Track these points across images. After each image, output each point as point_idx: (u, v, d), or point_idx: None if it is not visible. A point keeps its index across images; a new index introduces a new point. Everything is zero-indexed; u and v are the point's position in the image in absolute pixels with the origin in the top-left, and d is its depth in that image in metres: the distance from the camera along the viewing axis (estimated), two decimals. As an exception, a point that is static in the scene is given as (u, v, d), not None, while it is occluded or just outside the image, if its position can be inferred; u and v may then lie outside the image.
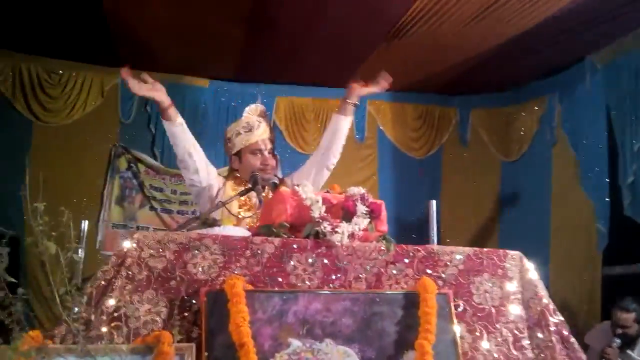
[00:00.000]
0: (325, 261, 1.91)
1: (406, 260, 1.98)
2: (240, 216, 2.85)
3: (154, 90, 2.74)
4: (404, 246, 2.01)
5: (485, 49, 5.13)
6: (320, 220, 1.96)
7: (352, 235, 1.96)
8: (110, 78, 5.63)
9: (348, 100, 3.09)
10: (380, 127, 6.13)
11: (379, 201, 2.11)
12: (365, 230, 2.03)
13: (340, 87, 5.91)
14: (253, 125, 3.00)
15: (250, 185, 2.83)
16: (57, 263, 1.47)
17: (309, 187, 2.08)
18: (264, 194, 2.81)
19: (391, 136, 6.12)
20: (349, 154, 5.98)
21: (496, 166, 6.02)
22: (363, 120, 6.08)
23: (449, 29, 4.74)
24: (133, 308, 1.67)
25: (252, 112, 3.11)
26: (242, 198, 2.89)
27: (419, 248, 2.02)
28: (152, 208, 5.48)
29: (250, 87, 5.94)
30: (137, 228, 5.38)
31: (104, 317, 1.62)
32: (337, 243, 1.91)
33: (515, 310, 2.01)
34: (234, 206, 2.87)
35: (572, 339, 1.99)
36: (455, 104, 6.27)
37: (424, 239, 5.62)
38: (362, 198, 2.07)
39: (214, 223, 1.99)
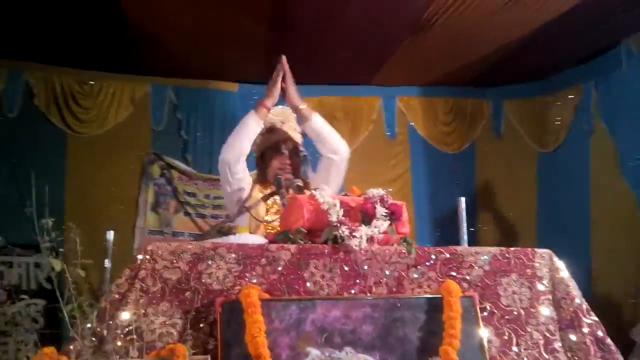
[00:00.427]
0: (344, 267, 1.86)
1: (428, 263, 1.92)
2: (266, 220, 2.82)
3: (279, 86, 2.89)
4: (425, 248, 1.95)
5: (515, 37, 4.99)
6: (339, 225, 1.91)
7: (371, 239, 1.90)
8: (140, 86, 5.70)
9: (297, 108, 2.97)
10: (411, 123, 6.05)
11: (399, 202, 2.05)
12: (385, 233, 1.96)
13: (368, 84, 5.95)
14: (275, 126, 2.99)
15: (274, 189, 2.82)
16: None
17: (327, 190, 2.04)
18: (289, 197, 2.77)
19: (422, 132, 6.03)
20: (380, 151, 5.95)
21: (532, 157, 5.86)
22: (393, 117, 6.02)
23: (476, 19, 4.62)
24: (148, 321, 1.66)
25: (275, 113, 3.07)
26: (269, 202, 2.87)
27: (442, 250, 1.95)
28: (186, 213, 5.53)
29: (279, 89, 5.91)
30: (173, 234, 5.43)
31: (119, 331, 1.60)
32: (355, 247, 1.85)
33: (545, 311, 1.93)
34: (262, 210, 2.85)
35: (608, 340, 1.90)
36: (487, 96, 6.14)
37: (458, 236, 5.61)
38: (382, 200, 2.01)
39: (229, 231, 1.97)
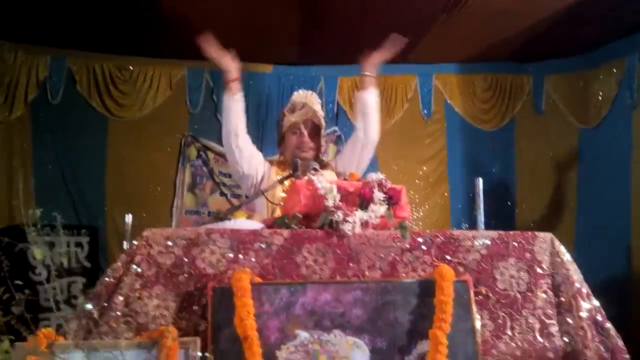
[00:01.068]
0: (337, 251, 1.88)
1: (424, 247, 1.92)
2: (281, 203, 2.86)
3: (226, 58, 2.92)
4: (421, 232, 1.95)
5: (553, 11, 4.81)
6: (335, 210, 1.93)
7: (365, 224, 1.92)
8: (178, 70, 5.81)
9: (363, 73, 3.03)
10: (448, 101, 5.94)
11: (398, 187, 2.05)
12: (382, 217, 1.97)
13: (402, 62, 5.87)
14: (296, 106, 3.04)
15: (290, 172, 2.86)
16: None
17: (325, 175, 2.05)
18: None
19: (459, 109, 5.92)
20: (416, 130, 5.90)
21: (574, 134, 5.68)
22: (429, 95, 5.93)
23: (511, -6, 4.50)
24: (142, 304, 1.73)
25: (298, 96, 3.15)
26: (287, 183, 2.91)
27: (438, 234, 1.95)
28: (222, 194, 5.64)
29: (313, 70, 5.94)
30: (209, 214, 5.56)
31: (114, 313, 1.68)
32: (348, 232, 1.87)
33: (543, 295, 1.90)
34: (279, 192, 2.89)
35: (608, 325, 1.87)
36: (528, 71, 5.96)
37: (497, 214, 5.53)
38: (380, 184, 2.02)
39: (224, 217, 2.01)
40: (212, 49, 2.94)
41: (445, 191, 5.85)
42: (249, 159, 2.95)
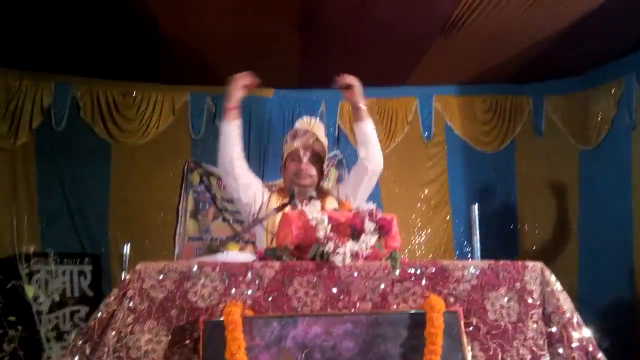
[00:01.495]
0: (329, 283, 1.89)
1: (414, 278, 1.93)
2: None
3: (241, 91, 2.94)
4: (411, 263, 1.95)
5: (551, 32, 4.87)
6: (325, 241, 1.94)
7: (356, 255, 1.93)
8: (180, 96, 5.88)
9: (357, 106, 3.00)
10: (448, 123, 6.00)
11: (389, 216, 2.06)
12: (372, 247, 1.98)
13: (404, 84, 5.93)
14: (299, 133, 3.04)
15: (287, 201, 2.88)
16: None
17: (317, 206, 2.07)
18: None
19: (460, 131, 5.96)
20: (417, 153, 5.93)
21: (574, 155, 5.72)
22: (429, 118, 5.98)
23: (507, 17, 4.54)
24: (134, 338, 1.74)
25: (302, 122, 3.17)
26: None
27: (428, 264, 1.95)
28: (224, 220, 5.64)
29: (314, 94, 5.99)
30: (211, 239, 5.57)
31: (106, 349, 1.69)
32: (338, 264, 1.89)
33: (534, 326, 1.90)
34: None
35: (600, 355, 1.86)
36: (527, 92, 6.02)
37: (500, 237, 5.52)
38: (371, 214, 2.03)
39: (217, 249, 2.03)
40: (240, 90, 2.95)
41: (447, 214, 5.87)
42: (245, 186, 2.97)
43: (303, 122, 3.16)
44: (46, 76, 5.57)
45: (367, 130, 3.00)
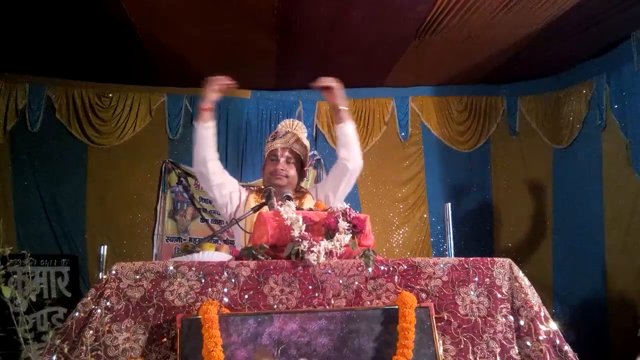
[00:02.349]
0: (303, 281, 1.93)
1: (387, 275, 1.98)
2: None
3: (214, 95, 2.96)
4: (384, 260, 2.00)
5: (523, 35, 4.96)
6: (300, 240, 1.98)
7: (330, 253, 1.97)
8: (157, 97, 5.88)
9: (339, 107, 3.05)
10: (425, 123, 6.07)
11: (362, 216, 2.10)
12: (347, 246, 2.03)
13: (380, 85, 5.98)
14: (279, 134, 3.08)
15: (264, 200, 2.91)
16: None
17: (291, 206, 2.11)
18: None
19: (436, 131, 6.04)
20: (394, 153, 5.99)
21: (547, 154, 5.81)
22: (406, 118, 6.05)
23: (480, 20, 4.63)
24: (112, 337, 1.77)
25: (284, 124, 3.18)
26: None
27: (400, 262, 2.00)
28: (203, 220, 5.67)
29: (291, 95, 6.03)
30: (190, 240, 5.58)
31: (83, 347, 1.71)
32: (312, 262, 1.93)
33: (503, 320, 1.96)
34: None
35: (566, 348, 1.92)
36: (502, 93, 6.12)
37: (476, 234, 5.60)
38: (344, 214, 2.07)
39: (192, 250, 2.06)
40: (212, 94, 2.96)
41: (424, 213, 5.93)
42: (219, 187, 2.99)
43: (284, 124, 3.18)
44: (20, 77, 5.53)
45: (348, 131, 3.04)
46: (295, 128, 3.14)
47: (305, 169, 3.22)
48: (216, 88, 2.96)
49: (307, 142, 3.18)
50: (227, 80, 2.99)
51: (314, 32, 4.84)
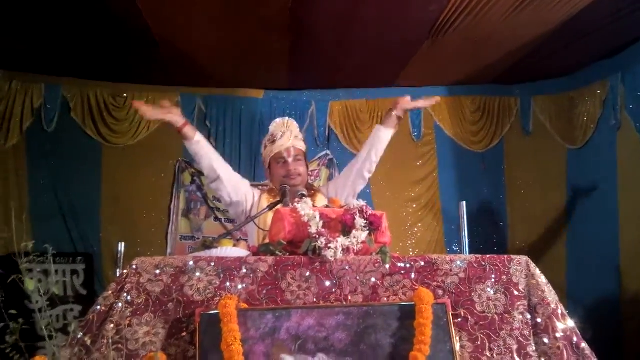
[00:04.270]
0: (321, 277, 1.95)
1: (404, 272, 1.99)
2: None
3: (167, 113, 2.82)
4: (401, 257, 2.01)
5: (537, 35, 4.96)
6: (317, 236, 1.99)
7: (347, 250, 1.98)
8: (170, 97, 5.89)
9: (393, 112, 3.06)
10: (438, 123, 6.07)
11: (379, 213, 2.11)
12: (363, 243, 2.04)
13: (391, 86, 5.99)
14: (277, 136, 3.06)
15: (279, 198, 2.93)
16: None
17: (308, 203, 2.12)
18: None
19: (449, 131, 6.04)
20: (407, 152, 5.99)
21: (562, 154, 5.80)
22: (419, 118, 6.05)
23: (493, 20, 4.63)
24: (132, 331, 1.79)
25: (276, 125, 3.16)
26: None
27: (417, 258, 2.02)
28: (216, 219, 5.68)
29: (304, 94, 6.05)
30: (203, 238, 5.60)
31: (105, 341, 1.74)
32: (330, 258, 1.94)
33: (520, 317, 1.97)
34: (269, 219, 2.95)
35: (583, 345, 1.93)
36: (515, 93, 6.11)
37: (489, 234, 5.59)
38: (361, 211, 2.08)
39: (211, 245, 2.08)
40: (148, 112, 2.83)
41: (437, 212, 5.93)
42: (235, 188, 2.99)
43: (277, 124, 3.15)
44: (36, 77, 5.59)
45: (385, 137, 3.07)
46: (289, 126, 3.13)
47: (306, 163, 3.23)
48: (161, 112, 2.84)
49: (302, 136, 3.17)
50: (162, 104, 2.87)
51: (327, 32, 4.86)
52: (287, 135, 3.05)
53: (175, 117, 2.83)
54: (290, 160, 3.01)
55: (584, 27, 4.77)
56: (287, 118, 3.19)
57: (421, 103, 3.26)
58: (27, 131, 5.53)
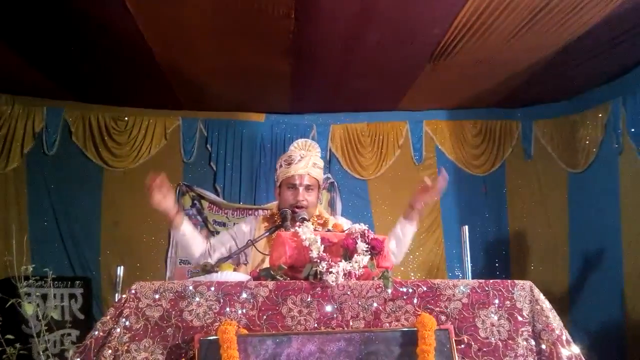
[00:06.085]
0: (322, 302, 1.92)
1: (406, 297, 1.96)
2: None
3: (166, 202, 2.80)
4: (403, 282, 1.98)
5: (538, 59, 4.96)
6: (319, 260, 1.97)
7: (349, 274, 1.96)
8: (172, 121, 5.93)
9: (414, 207, 2.99)
10: (439, 147, 6.07)
11: (380, 237, 2.09)
12: (365, 267, 2.01)
13: (394, 109, 6.00)
14: (294, 159, 2.97)
15: (279, 222, 2.92)
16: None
17: (309, 227, 2.10)
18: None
19: (451, 155, 6.04)
20: (408, 176, 5.98)
21: (563, 178, 5.78)
22: (420, 141, 6.06)
23: (494, 44, 4.63)
24: (130, 357, 1.76)
25: (297, 146, 3.06)
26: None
27: (419, 283, 1.99)
28: (216, 242, 5.66)
29: (305, 118, 6.06)
30: (203, 262, 5.56)
31: (102, 367, 1.71)
32: (331, 283, 1.91)
33: (524, 343, 1.93)
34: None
35: (589, 372, 1.89)
36: (517, 117, 6.12)
37: (492, 259, 5.55)
38: (363, 235, 2.06)
39: (211, 269, 2.06)
40: (155, 200, 2.78)
41: (439, 236, 5.90)
42: (230, 246, 3.02)
43: (298, 146, 3.05)
44: (38, 101, 5.62)
45: (410, 232, 3.01)
46: (309, 149, 3.04)
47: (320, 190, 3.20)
48: (158, 193, 2.78)
49: (321, 163, 3.08)
50: (157, 178, 2.81)
51: (329, 56, 4.87)
52: (305, 160, 2.96)
53: (170, 205, 2.83)
54: (301, 189, 2.93)
55: (586, 51, 4.77)
56: (309, 140, 3.09)
57: (433, 191, 3.03)
58: (28, 155, 5.55)
